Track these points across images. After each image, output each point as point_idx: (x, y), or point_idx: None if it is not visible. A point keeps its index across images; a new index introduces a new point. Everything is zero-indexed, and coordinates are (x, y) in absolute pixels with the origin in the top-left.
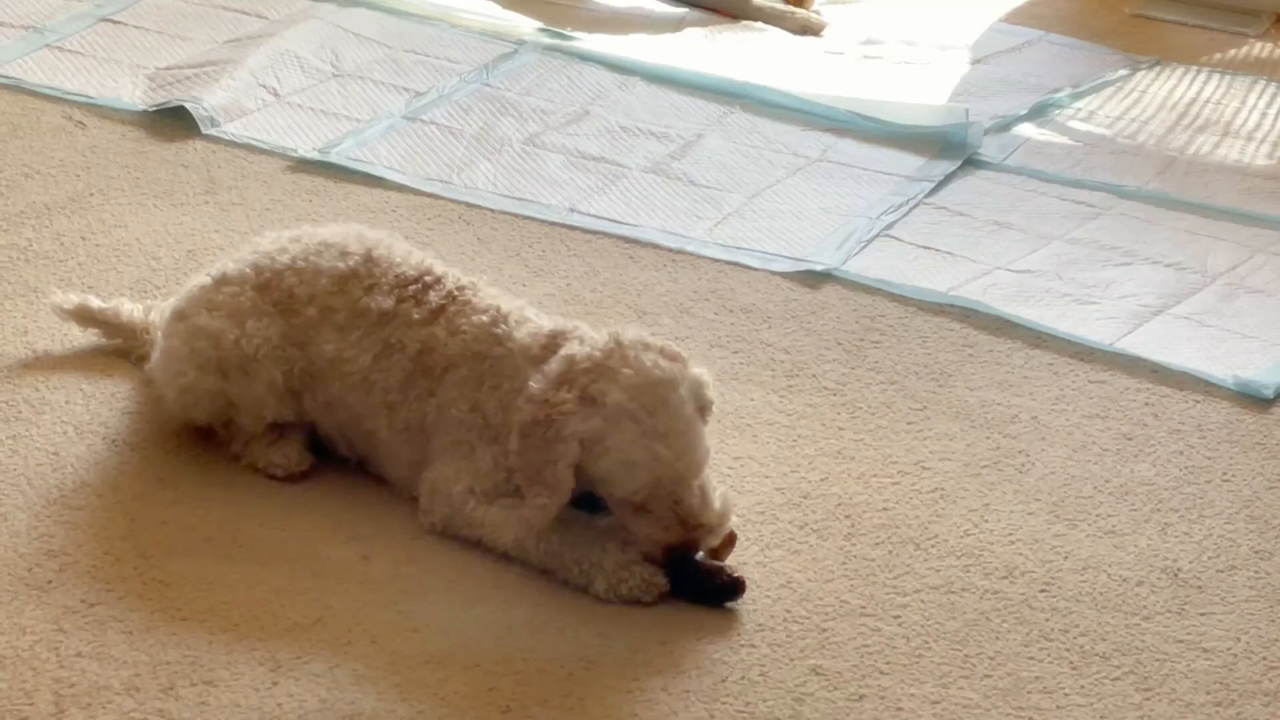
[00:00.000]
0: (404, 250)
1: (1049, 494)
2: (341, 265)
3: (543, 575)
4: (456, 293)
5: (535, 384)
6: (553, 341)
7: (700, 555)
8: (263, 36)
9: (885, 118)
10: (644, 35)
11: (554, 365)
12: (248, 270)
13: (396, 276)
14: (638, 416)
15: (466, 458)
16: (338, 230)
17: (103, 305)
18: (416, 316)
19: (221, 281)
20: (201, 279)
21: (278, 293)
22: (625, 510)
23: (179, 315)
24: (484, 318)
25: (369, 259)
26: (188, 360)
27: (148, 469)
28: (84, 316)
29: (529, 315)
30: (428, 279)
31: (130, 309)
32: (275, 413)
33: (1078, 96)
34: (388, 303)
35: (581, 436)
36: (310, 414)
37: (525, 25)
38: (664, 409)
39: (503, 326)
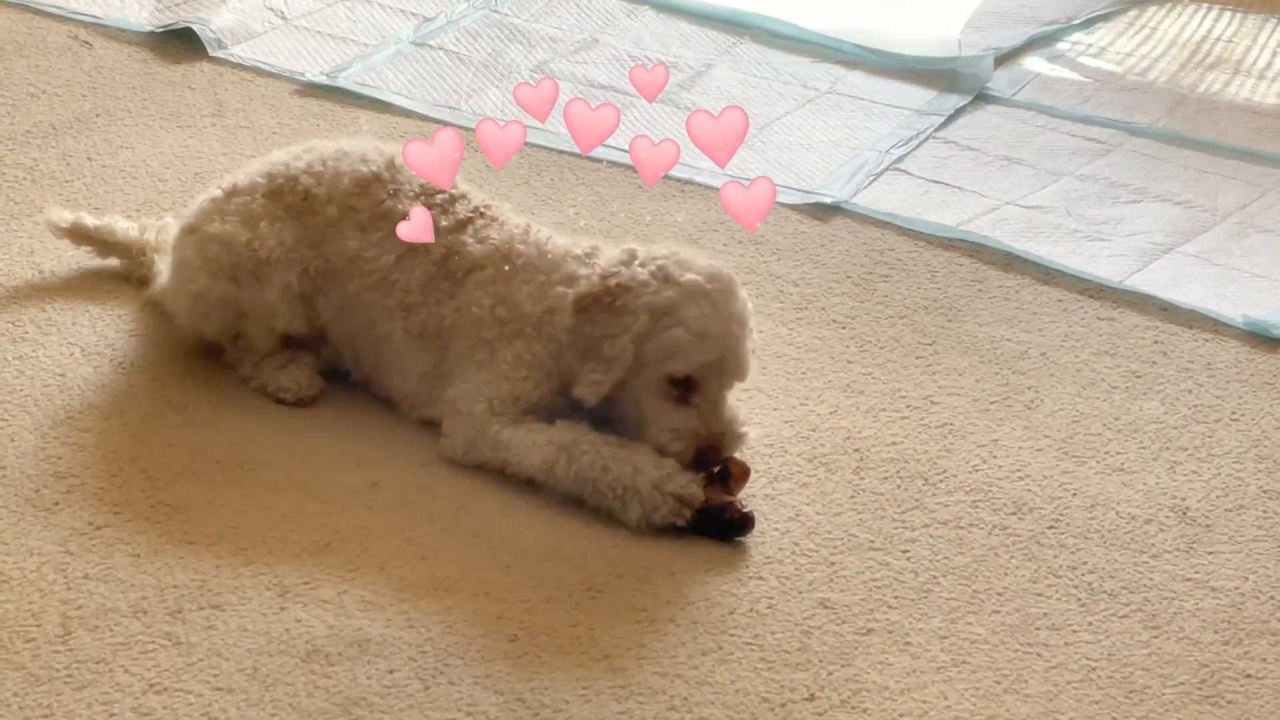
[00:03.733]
0: None
1: (1058, 430)
2: (364, 169)
3: (551, 504)
4: (484, 209)
5: (598, 265)
6: (594, 250)
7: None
8: None
9: (895, 51)
10: None
11: (615, 254)
12: (259, 179)
13: (422, 186)
14: (713, 296)
15: (484, 365)
16: (353, 141)
17: (97, 223)
18: (444, 224)
19: (232, 193)
20: (213, 192)
21: (291, 196)
22: (665, 402)
23: (189, 229)
24: (515, 229)
25: (392, 165)
26: (200, 268)
27: (156, 391)
28: (79, 234)
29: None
30: (454, 191)
31: (125, 227)
32: (286, 322)
33: (1072, 30)
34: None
35: (654, 307)
36: (321, 318)
37: None
38: (734, 298)
39: (535, 234)
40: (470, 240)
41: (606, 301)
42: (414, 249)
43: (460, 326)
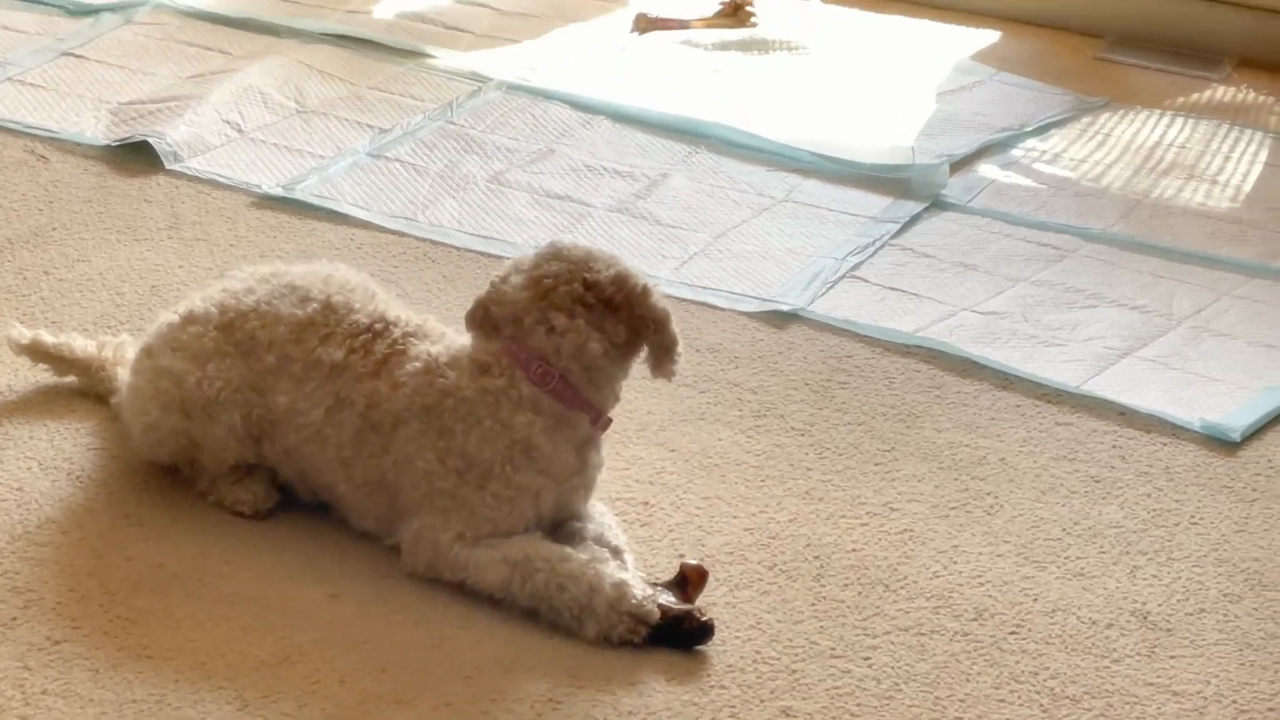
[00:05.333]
0: (366, 296)
1: (1018, 536)
2: (300, 313)
3: (511, 616)
4: (400, 341)
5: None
6: (491, 360)
7: (669, 599)
8: (226, 72)
9: (850, 158)
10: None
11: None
12: (213, 309)
13: (350, 325)
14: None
15: (451, 509)
16: (309, 271)
17: (56, 340)
18: (363, 369)
19: (188, 320)
20: (170, 316)
21: (240, 334)
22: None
23: (147, 352)
24: (417, 365)
25: (328, 307)
26: (152, 400)
27: (113, 505)
28: (37, 352)
29: (446, 338)
30: (378, 327)
31: (83, 344)
32: (237, 455)
33: (1025, 136)
34: (338, 354)
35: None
36: (270, 461)
37: (489, 64)
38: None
39: (444, 376)
40: (385, 388)
41: (605, 300)
42: (341, 401)
43: (405, 481)
